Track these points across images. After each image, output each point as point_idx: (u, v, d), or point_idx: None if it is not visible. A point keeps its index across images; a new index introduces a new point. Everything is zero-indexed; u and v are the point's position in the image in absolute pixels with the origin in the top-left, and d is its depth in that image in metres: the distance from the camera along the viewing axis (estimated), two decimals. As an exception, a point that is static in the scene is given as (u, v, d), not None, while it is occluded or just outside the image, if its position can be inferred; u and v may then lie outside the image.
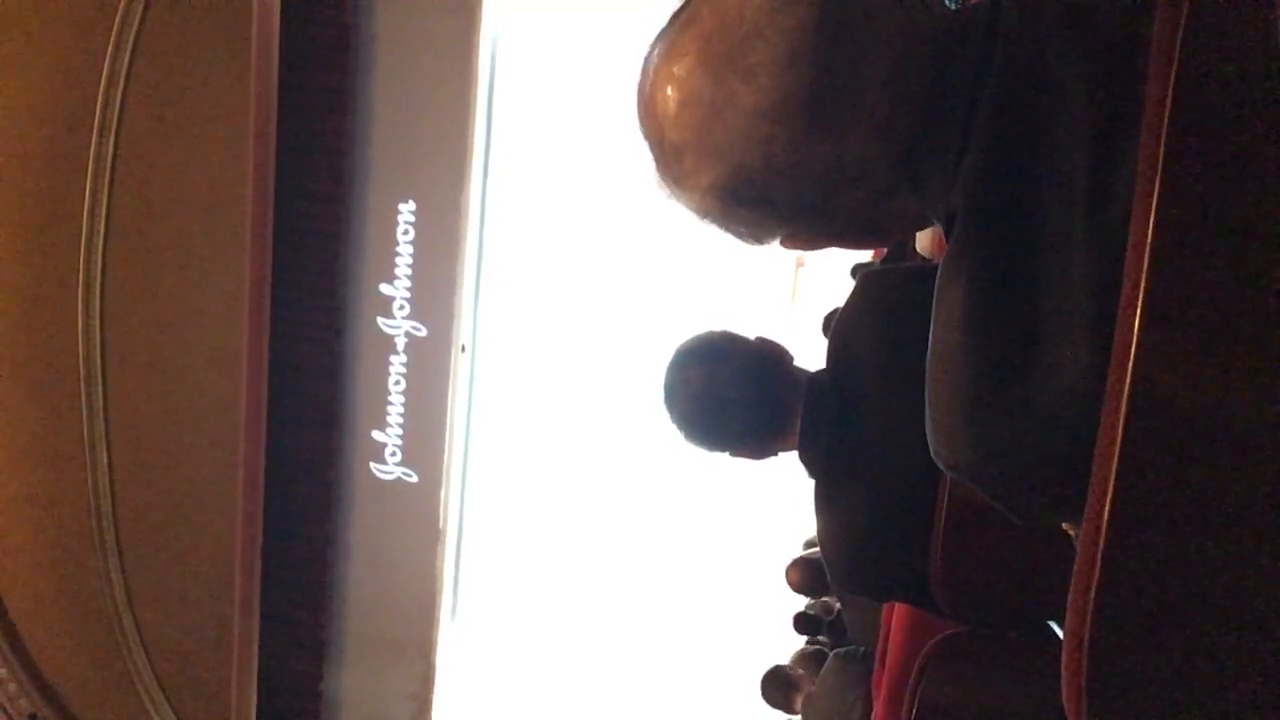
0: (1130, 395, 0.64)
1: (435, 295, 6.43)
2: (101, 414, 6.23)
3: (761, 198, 0.78)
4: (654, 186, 0.82)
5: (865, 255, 5.06)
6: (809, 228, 0.83)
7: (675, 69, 0.76)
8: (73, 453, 6.25)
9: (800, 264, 7.32)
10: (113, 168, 5.92)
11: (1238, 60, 0.63)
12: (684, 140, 0.77)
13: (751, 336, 1.61)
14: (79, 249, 5.99)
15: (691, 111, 0.76)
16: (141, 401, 6.26)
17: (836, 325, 1.56)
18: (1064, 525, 0.85)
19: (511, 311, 7.18)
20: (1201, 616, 0.68)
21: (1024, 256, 0.70)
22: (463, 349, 6.58)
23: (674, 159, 0.79)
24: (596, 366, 7.48)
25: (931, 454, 0.79)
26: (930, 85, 0.74)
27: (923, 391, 0.79)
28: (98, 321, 6.11)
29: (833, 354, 1.53)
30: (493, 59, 6.43)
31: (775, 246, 0.86)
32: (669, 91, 0.77)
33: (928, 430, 0.79)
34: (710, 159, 0.77)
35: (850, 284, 2.18)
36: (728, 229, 0.83)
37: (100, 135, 5.85)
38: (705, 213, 0.82)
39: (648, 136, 0.81)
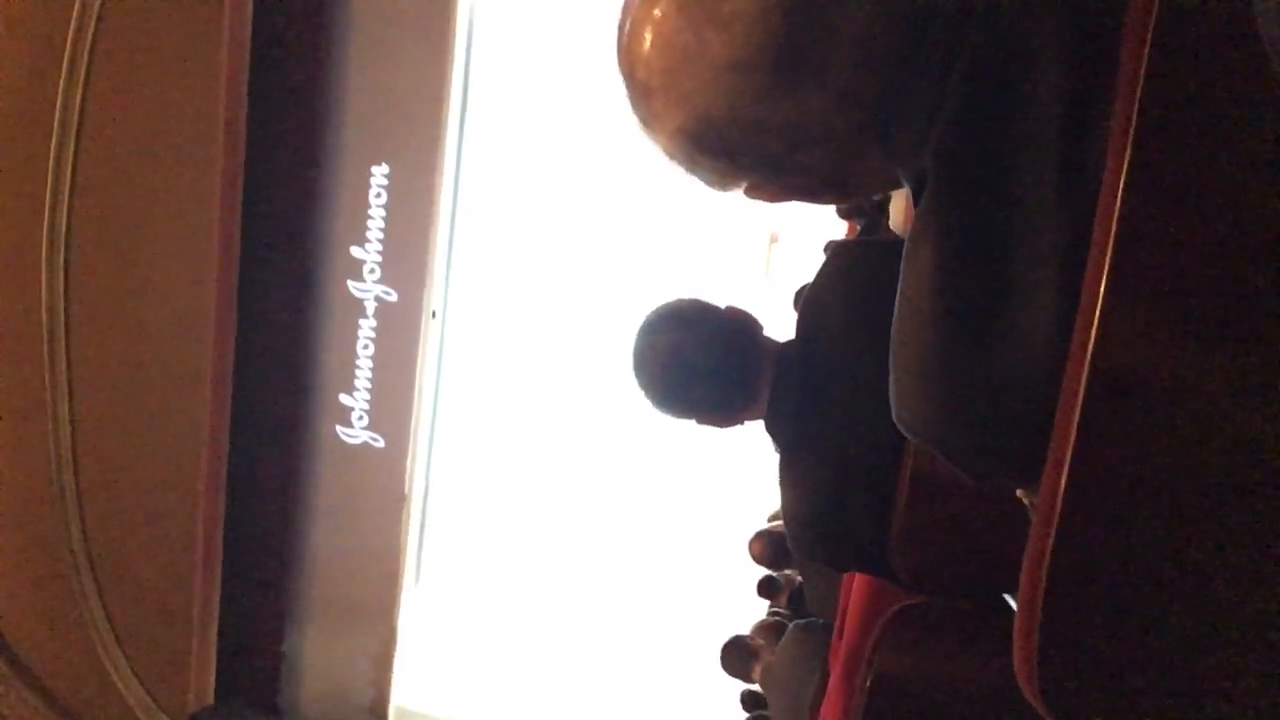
0: (1092, 363, 0.64)
1: (407, 260, 6.38)
2: (64, 369, 6.15)
3: (725, 148, 0.78)
4: (629, 122, 0.82)
5: (840, 232, 5.08)
6: (772, 181, 0.83)
7: (654, 9, 0.76)
8: (35, 408, 6.17)
9: (774, 240, 7.33)
10: (80, 121, 5.81)
11: (1213, 31, 0.63)
12: (654, 83, 0.77)
13: (722, 305, 1.61)
14: (44, 203, 5.89)
15: (663, 55, 0.75)
16: (105, 358, 6.19)
17: (806, 297, 1.57)
18: (1019, 493, 0.86)
19: (483, 278, 7.14)
20: (1154, 586, 0.69)
21: (994, 222, 0.70)
22: (433, 315, 6.55)
23: (644, 100, 0.79)
24: (567, 336, 7.47)
25: (894, 418, 0.80)
26: (904, 49, 0.74)
27: (889, 363, 0.80)
28: (62, 276, 6.02)
29: (802, 325, 1.54)
30: (470, 22, 6.36)
31: (739, 195, 0.86)
32: (645, 32, 0.76)
33: (891, 393, 0.79)
34: (678, 105, 0.77)
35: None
36: (692, 173, 0.83)
37: (68, 87, 5.74)
38: (670, 156, 0.82)
39: (621, 74, 0.80)
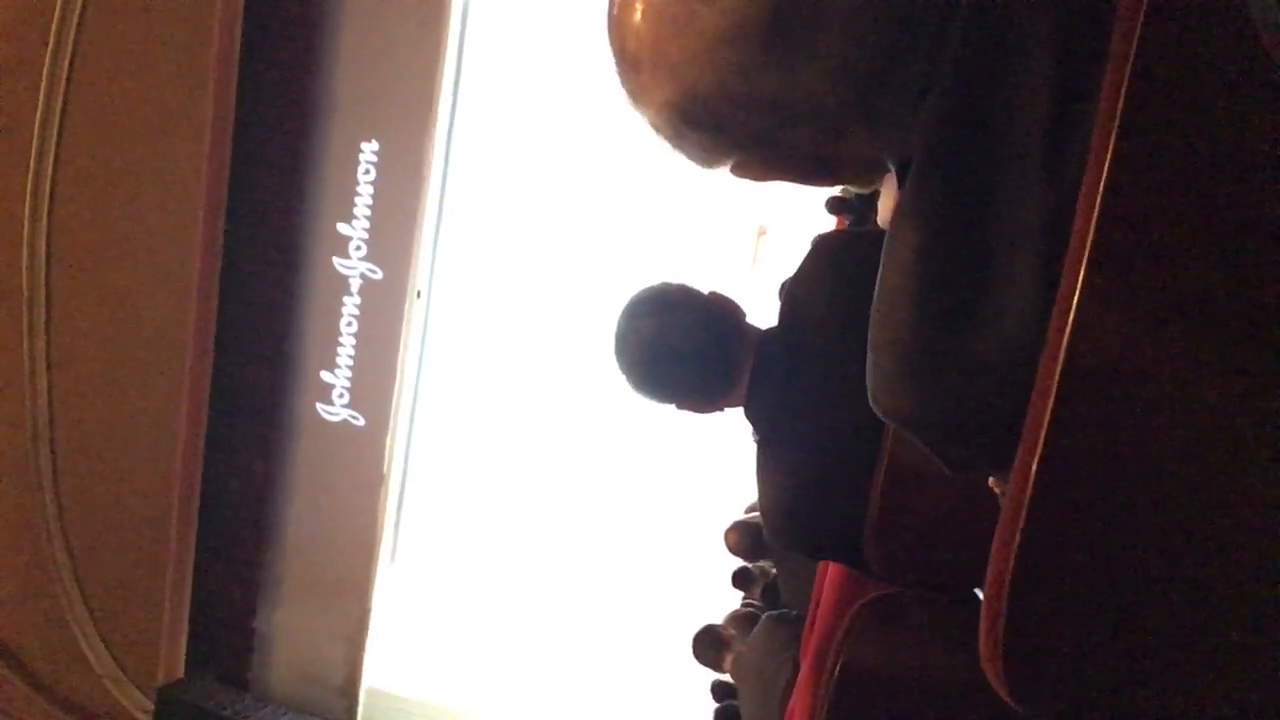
0: (1068, 350, 0.64)
1: (393, 238, 6.36)
2: (43, 344, 6.12)
3: (712, 123, 0.77)
4: (618, 96, 0.81)
5: (829, 226, 5.09)
6: (758, 158, 0.82)
7: None
8: (12, 381, 6.13)
9: (762, 233, 7.33)
10: (67, 84, 5.76)
11: (1205, 19, 0.63)
12: (642, 55, 0.76)
13: (706, 291, 1.61)
14: (28, 166, 5.84)
15: (652, 26, 0.74)
16: (85, 331, 6.15)
17: (790, 285, 1.57)
18: (991, 481, 0.86)
19: (470, 260, 7.12)
20: (1122, 577, 0.69)
21: (977, 205, 0.70)
22: (418, 294, 6.53)
23: (632, 72, 0.78)
24: (552, 322, 7.46)
25: (870, 401, 0.79)
26: (895, 28, 0.73)
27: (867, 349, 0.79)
28: (44, 241, 5.98)
29: (784, 313, 1.54)
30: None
31: (725, 173, 0.85)
32: (635, 3, 0.75)
33: (868, 376, 0.79)
34: (665, 77, 0.76)
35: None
36: (679, 149, 0.82)
37: (56, 51, 5.69)
38: (657, 130, 0.81)
39: (611, 47, 0.79)
